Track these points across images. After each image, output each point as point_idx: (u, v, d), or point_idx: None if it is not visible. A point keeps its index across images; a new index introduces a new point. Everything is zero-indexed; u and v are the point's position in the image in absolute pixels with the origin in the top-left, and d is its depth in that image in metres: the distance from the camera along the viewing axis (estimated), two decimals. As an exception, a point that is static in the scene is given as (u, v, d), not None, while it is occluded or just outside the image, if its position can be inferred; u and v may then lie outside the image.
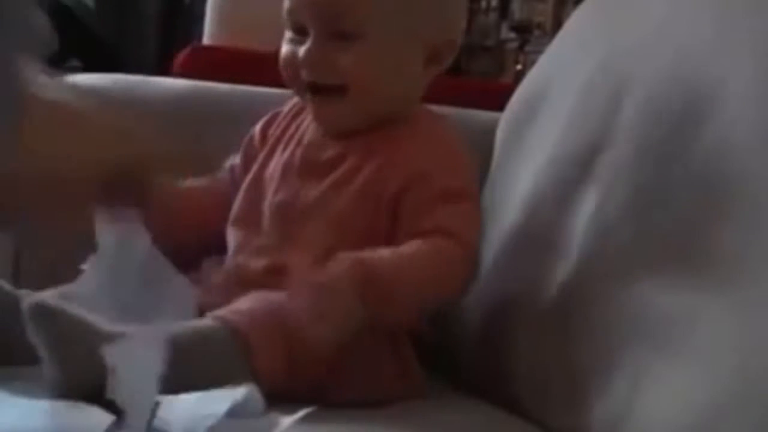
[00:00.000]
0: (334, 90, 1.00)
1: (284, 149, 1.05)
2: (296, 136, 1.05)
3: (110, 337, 0.82)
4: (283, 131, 1.07)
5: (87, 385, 0.79)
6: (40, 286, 0.86)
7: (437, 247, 0.95)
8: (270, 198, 1.02)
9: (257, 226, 1.02)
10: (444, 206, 0.97)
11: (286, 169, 1.03)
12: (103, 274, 0.86)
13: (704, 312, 0.79)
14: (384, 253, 0.93)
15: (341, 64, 0.98)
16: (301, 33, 1.00)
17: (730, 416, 0.72)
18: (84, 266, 0.88)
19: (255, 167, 1.06)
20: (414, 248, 0.94)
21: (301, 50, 0.99)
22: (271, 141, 1.07)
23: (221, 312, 0.90)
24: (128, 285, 0.87)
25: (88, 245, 0.91)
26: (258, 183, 1.05)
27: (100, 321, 0.83)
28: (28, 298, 0.83)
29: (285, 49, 1.02)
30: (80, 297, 0.86)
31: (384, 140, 1.00)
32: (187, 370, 0.82)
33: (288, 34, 1.01)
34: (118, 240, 0.87)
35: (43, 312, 0.82)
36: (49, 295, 0.84)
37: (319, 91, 1.01)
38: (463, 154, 1.02)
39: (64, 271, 0.98)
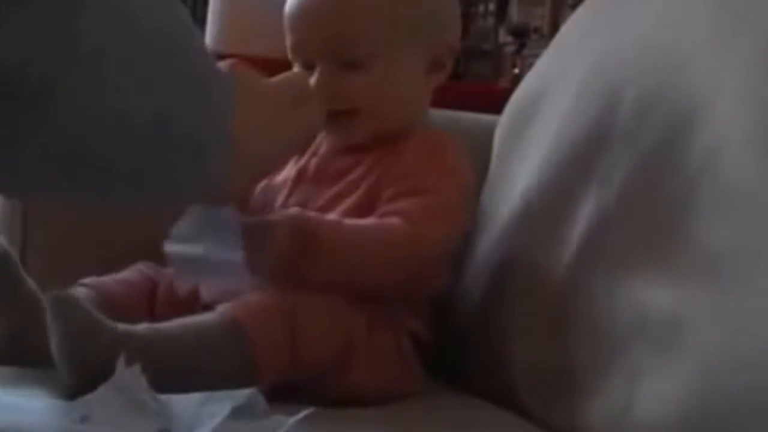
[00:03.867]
0: (345, 113, 1.03)
1: (299, 157, 1.08)
2: (313, 146, 1.08)
3: (121, 336, 0.84)
4: None
5: (92, 379, 0.81)
6: (45, 286, 0.88)
7: (383, 224, 0.97)
8: (282, 202, 1.06)
9: None
10: (407, 198, 0.99)
11: (300, 176, 1.07)
12: (196, 217, 0.96)
13: (703, 312, 0.79)
14: (333, 217, 0.97)
15: (351, 91, 1.02)
16: (308, 66, 1.04)
17: (729, 416, 0.73)
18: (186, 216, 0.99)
19: None
20: (362, 221, 0.98)
21: (312, 82, 1.02)
22: None
23: (224, 306, 0.92)
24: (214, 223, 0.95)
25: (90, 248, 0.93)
26: (270, 187, 1.08)
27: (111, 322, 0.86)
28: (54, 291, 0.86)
29: None
30: (183, 234, 0.97)
31: (390, 154, 1.03)
32: (189, 364, 0.84)
33: (296, 67, 1.05)
34: None
35: (63, 302, 0.84)
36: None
37: (332, 114, 1.03)
38: (459, 168, 1.04)
39: (69, 271, 0.99)
